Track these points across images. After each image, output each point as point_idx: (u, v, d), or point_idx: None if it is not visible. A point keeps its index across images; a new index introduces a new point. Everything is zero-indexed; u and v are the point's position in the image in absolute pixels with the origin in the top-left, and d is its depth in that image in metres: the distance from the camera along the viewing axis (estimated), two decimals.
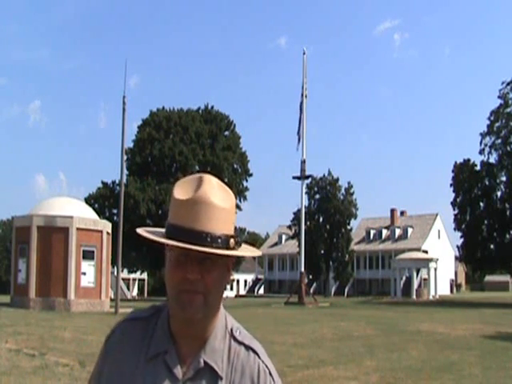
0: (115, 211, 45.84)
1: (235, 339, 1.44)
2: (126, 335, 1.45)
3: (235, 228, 1.41)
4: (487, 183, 49.53)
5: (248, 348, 1.44)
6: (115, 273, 32.93)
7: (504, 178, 49.15)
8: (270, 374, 1.44)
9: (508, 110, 48.64)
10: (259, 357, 1.44)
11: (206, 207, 1.34)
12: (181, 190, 1.38)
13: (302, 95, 43.48)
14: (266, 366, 1.44)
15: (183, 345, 1.40)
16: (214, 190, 1.38)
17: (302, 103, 43.38)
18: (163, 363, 1.38)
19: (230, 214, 1.38)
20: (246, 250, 1.44)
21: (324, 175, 66.14)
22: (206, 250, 1.32)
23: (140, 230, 1.42)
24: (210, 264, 1.35)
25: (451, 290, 79.33)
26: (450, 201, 50.86)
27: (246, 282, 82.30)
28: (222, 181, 1.47)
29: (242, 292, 79.17)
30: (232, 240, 1.37)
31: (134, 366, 1.39)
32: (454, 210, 50.47)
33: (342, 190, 65.77)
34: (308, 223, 60.86)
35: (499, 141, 48.72)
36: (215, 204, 1.35)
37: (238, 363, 1.41)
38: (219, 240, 1.34)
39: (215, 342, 1.41)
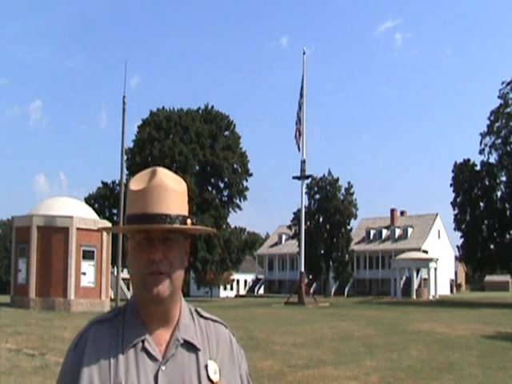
0: (115, 211, 45.83)
1: (202, 316, 1.58)
2: (98, 335, 1.47)
3: (189, 213, 1.53)
4: (487, 183, 49.47)
5: (215, 321, 1.59)
6: (115, 273, 32.94)
7: (504, 178, 49.11)
8: (237, 342, 1.61)
9: (508, 109, 48.60)
10: (227, 328, 1.61)
11: (162, 190, 1.45)
12: (136, 183, 1.48)
13: (302, 95, 43.47)
14: (233, 335, 1.61)
15: (156, 329, 1.48)
16: (167, 176, 1.49)
17: (301, 103, 43.34)
18: (142, 350, 1.44)
19: (183, 196, 1.51)
20: (202, 228, 1.62)
21: (324, 175, 66.16)
22: (168, 227, 1.42)
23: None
24: (170, 243, 1.45)
25: (451, 290, 79.28)
26: (450, 201, 50.86)
27: (245, 281, 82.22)
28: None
29: (242, 292, 79.12)
30: (189, 220, 1.48)
31: (115, 359, 1.42)
32: (453, 210, 50.43)
33: (342, 190, 65.77)
34: (308, 223, 60.80)
35: (499, 141, 48.67)
36: (170, 187, 1.46)
37: (212, 335, 1.54)
38: (177, 220, 1.44)
39: (186, 321, 1.52)
